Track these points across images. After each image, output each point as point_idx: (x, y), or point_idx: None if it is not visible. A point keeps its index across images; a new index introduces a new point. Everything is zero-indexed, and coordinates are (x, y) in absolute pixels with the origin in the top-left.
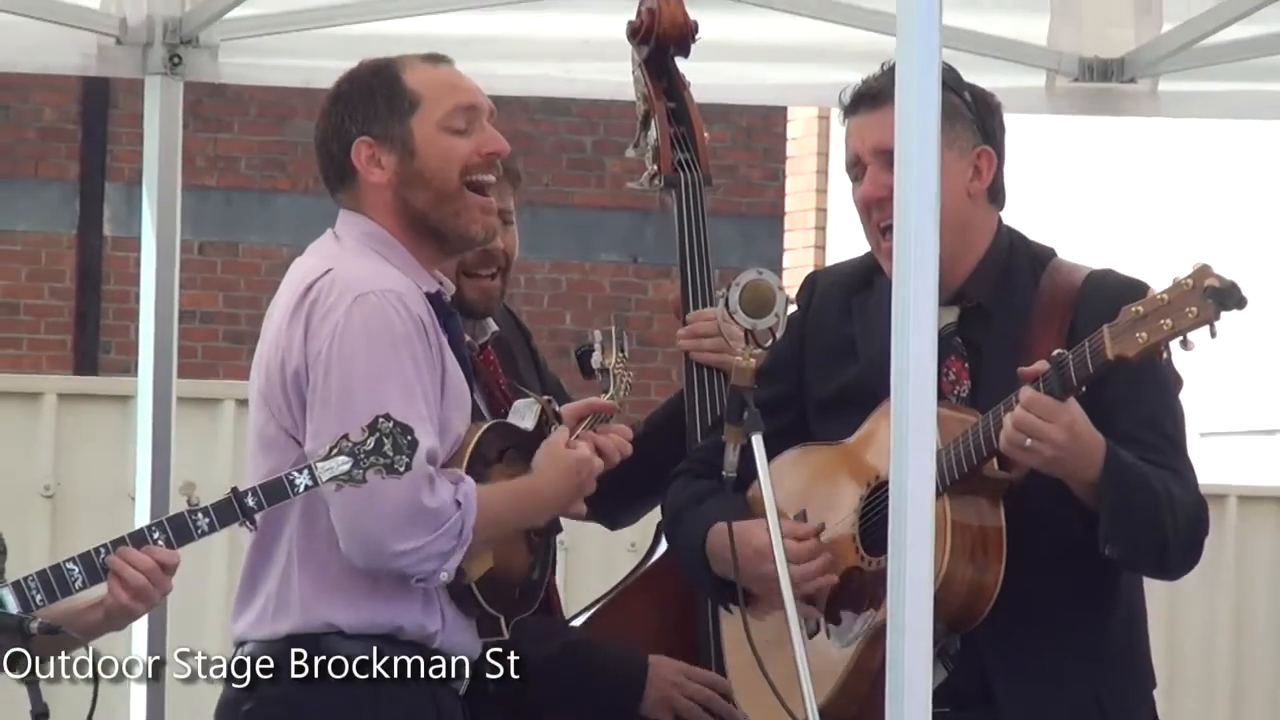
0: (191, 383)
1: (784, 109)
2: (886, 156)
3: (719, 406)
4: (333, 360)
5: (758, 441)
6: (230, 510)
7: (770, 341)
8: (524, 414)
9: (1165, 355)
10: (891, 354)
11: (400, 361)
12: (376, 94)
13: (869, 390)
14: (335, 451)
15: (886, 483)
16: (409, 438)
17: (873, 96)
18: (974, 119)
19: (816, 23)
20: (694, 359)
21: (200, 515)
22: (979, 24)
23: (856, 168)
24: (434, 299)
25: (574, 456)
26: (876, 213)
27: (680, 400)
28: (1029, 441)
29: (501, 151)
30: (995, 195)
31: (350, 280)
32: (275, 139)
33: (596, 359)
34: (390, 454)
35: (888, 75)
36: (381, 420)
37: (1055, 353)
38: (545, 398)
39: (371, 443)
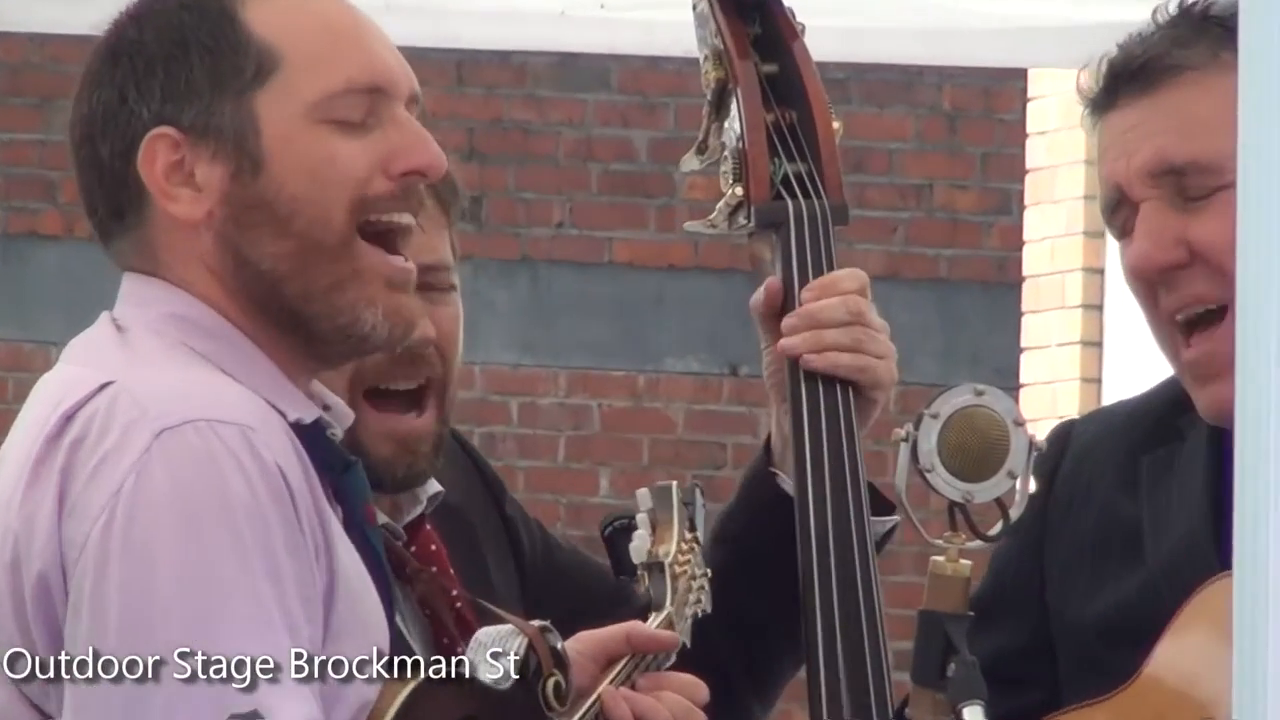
0: None
1: (1020, 78)
2: (1175, 181)
3: (848, 475)
4: (112, 555)
5: (974, 718)
6: None
7: (1000, 527)
8: (495, 657)
9: None
10: (1235, 525)
11: (244, 556)
12: (190, 46)
13: (1160, 609)
14: None
15: None
16: None
17: (1136, 73)
18: None
19: None
20: (809, 366)
21: None
22: None
23: (1122, 210)
24: (309, 435)
25: None
26: (1165, 294)
27: (753, 496)
28: None
29: (429, 169)
30: None
31: (149, 401)
32: (35, 137)
33: (641, 543)
34: None
35: (1165, 33)
36: None
37: None
38: (539, 624)
39: None
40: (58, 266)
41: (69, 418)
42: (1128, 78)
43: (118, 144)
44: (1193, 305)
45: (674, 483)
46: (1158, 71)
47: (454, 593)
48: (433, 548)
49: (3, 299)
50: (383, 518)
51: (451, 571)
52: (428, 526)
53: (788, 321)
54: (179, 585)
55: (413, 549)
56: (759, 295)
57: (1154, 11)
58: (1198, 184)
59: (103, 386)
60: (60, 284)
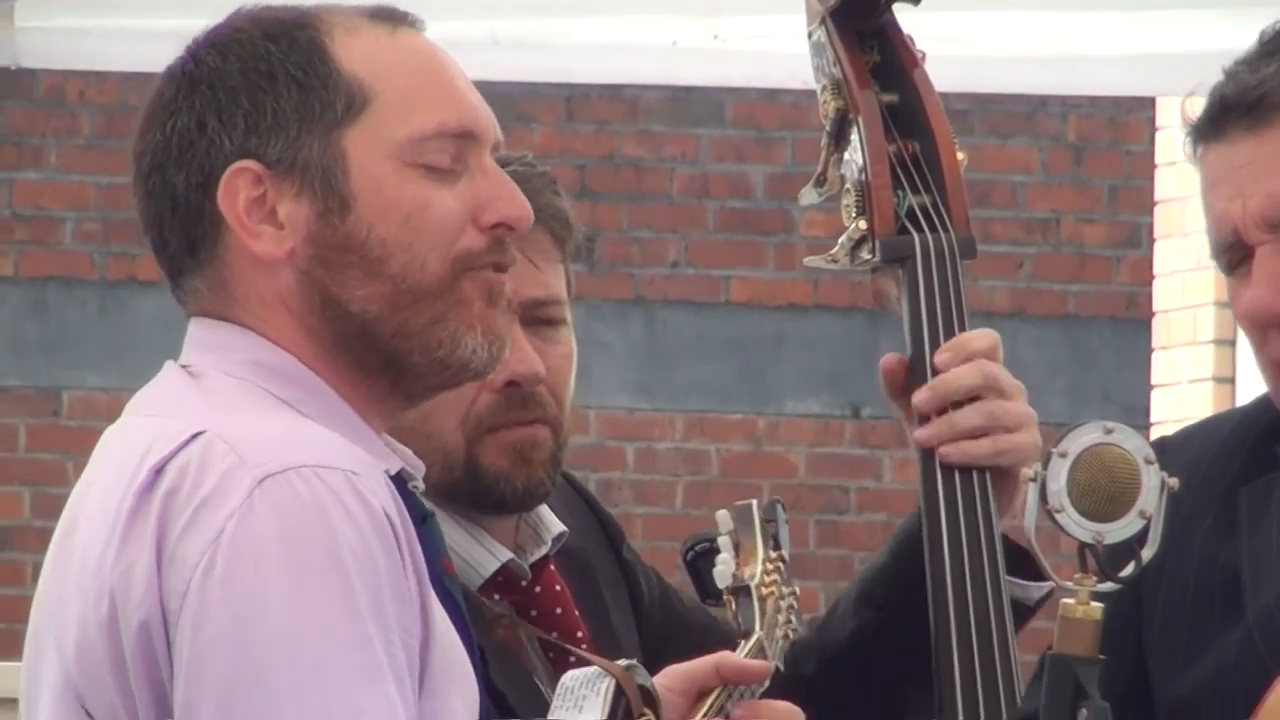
0: None
1: (1148, 107)
2: None
3: (987, 569)
4: (213, 605)
5: None
6: None
7: (1132, 569)
8: (581, 699)
9: None
10: None
11: (354, 605)
12: (278, 77)
13: (1261, 673)
14: None
15: None
16: None
17: (1252, 107)
18: None
19: None
20: (946, 460)
21: None
22: None
23: (1232, 251)
24: (397, 485)
25: None
26: (1278, 338)
27: (905, 558)
28: None
29: (518, 222)
30: None
31: (246, 448)
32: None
33: (725, 567)
34: None
35: None
36: None
37: None
38: (625, 663)
39: None
40: (158, 313)
41: (159, 469)
42: (1242, 110)
43: (195, 175)
44: None
45: (754, 501)
46: (1273, 107)
47: (579, 635)
48: (557, 588)
49: (103, 347)
50: (506, 554)
51: (576, 613)
52: (551, 567)
53: (919, 396)
54: (285, 637)
55: (538, 589)
56: (885, 367)
57: (1261, 34)
58: None
59: (194, 436)
60: (160, 331)
